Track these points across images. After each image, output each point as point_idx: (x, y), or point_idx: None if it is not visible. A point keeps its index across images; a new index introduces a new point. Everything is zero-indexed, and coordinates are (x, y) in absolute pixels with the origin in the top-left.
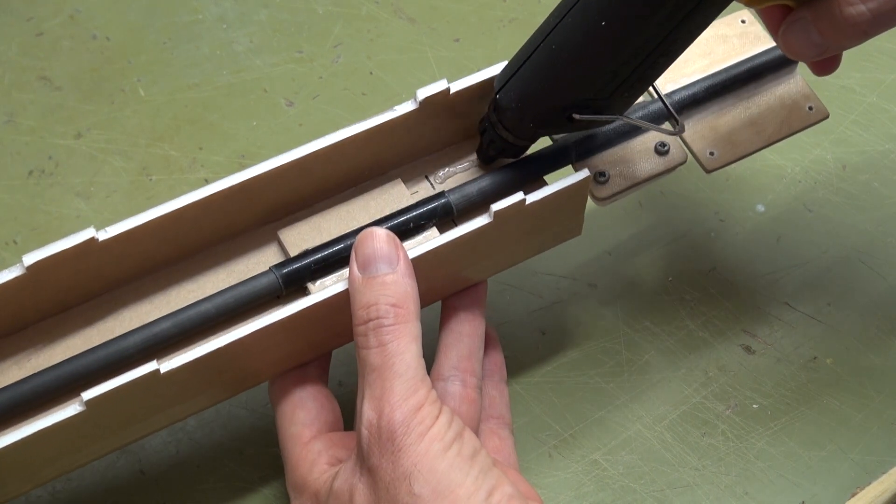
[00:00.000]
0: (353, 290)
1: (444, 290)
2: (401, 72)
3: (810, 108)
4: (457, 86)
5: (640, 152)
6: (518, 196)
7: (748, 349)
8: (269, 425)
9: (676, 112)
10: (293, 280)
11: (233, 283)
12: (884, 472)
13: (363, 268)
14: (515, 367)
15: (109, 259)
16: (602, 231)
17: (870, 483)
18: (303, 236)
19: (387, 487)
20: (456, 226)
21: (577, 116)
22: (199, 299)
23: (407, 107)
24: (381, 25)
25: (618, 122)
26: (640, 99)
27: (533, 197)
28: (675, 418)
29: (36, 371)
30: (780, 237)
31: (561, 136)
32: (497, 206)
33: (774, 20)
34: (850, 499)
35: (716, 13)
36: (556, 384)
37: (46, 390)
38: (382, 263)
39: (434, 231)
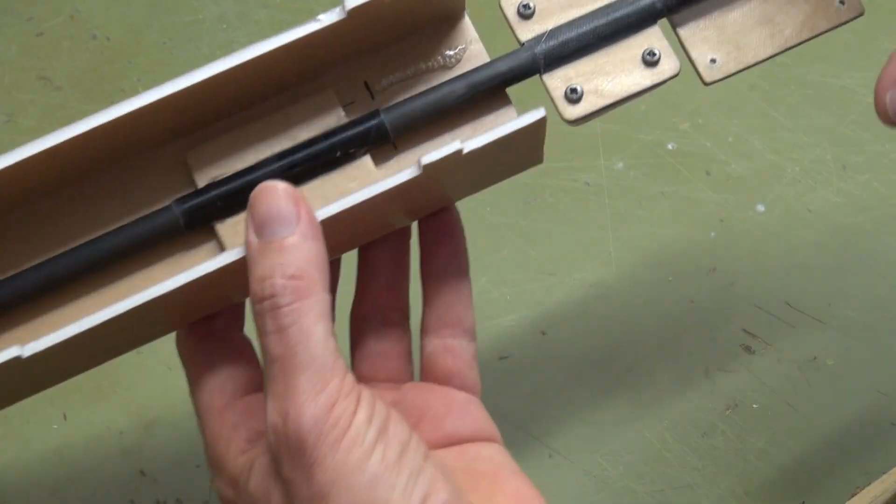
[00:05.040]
0: (249, 257)
1: (383, 229)
2: None
3: (841, 3)
4: None
5: (623, 61)
6: (454, 146)
7: (748, 349)
8: None
9: (675, 9)
10: (197, 219)
11: (131, 211)
12: (884, 472)
13: (259, 231)
14: (515, 367)
15: None
16: (602, 231)
17: (870, 483)
18: (214, 159)
19: None
20: (397, 150)
21: None
22: (91, 238)
23: (332, 17)
24: None
25: (598, 22)
26: None
27: (472, 145)
28: (675, 418)
29: None
30: (780, 237)
31: (529, 37)
32: (427, 159)
33: None
34: (850, 499)
35: None
36: (556, 384)
37: None
38: (280, 225)
39: (367, 161)
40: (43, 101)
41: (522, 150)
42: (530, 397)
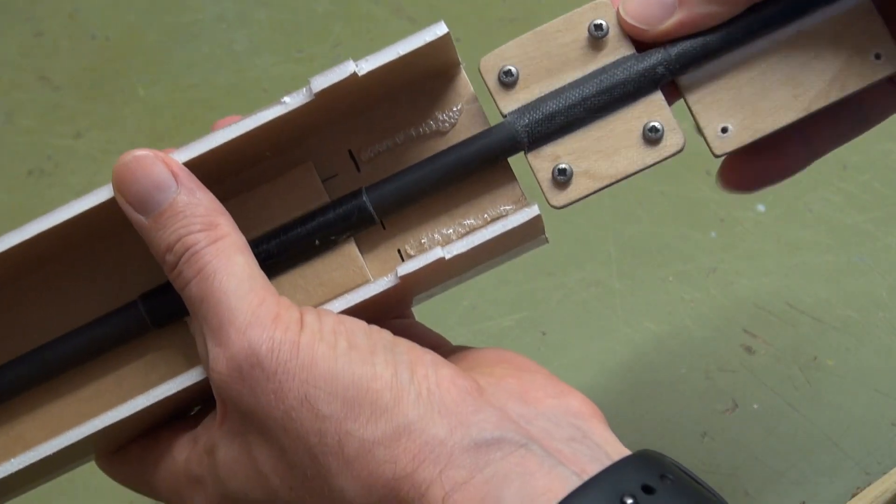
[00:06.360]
0: (146, 237)
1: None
2: None
3: (877, 57)
4: (370, 64)
5: (620, 136)
6: (434, 254)
7: (748, 349)
8: None
9: (679, 71)
10: (165, 316)
11: (101, 298)
12: (884, 472)
13: (142, 209)
14: None
15: None
16: (602, 231)
17: (870, 483)
18: None
19: (283, 428)
20: (385, 231)
21: None
22: (60, 333)
23: (299, 99)
24: (381, 25)
25: (589, 91)
26: (614, 57)
27: (455, 249)
28: (675, 419)
29: None
30: (780, 237)
31: (512, 109)
32: (404, 270)
33: None
34: (850, 499)
35: None
36: None
37: None
38: (161, 192)
39: (352, 247)
40: (42, 101)
41: (520, 239)
42: None
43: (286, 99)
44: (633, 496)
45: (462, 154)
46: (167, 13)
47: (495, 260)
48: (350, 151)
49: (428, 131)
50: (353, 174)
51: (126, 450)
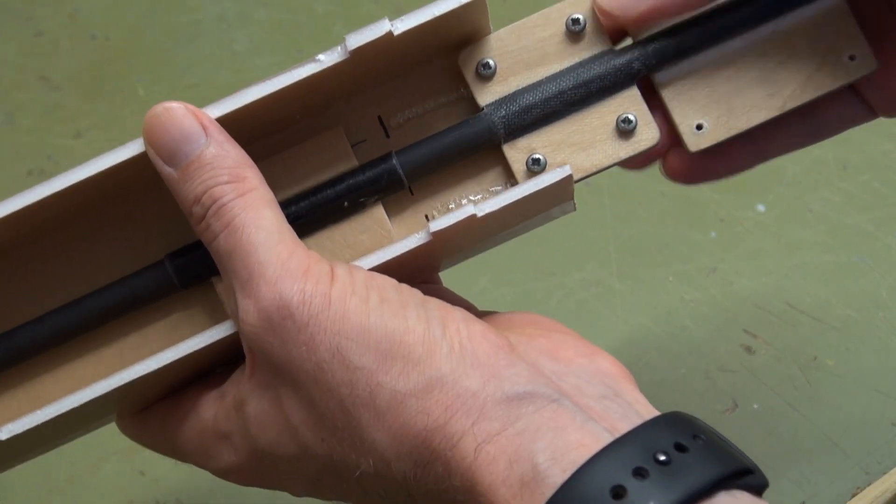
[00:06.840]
0: (174, 189)
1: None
2: None
3: (852, 58)
4: (405, 24)
5: (595, 130)
6: (466, 211)
7: (748, 349)
8: None
9: (655, 67)
10: (192, 276)
11: (129, 258)
12: (884, 472)
13: (171, 161)
14: None
15: None
16: (602, 231)
17: (870, 483)
18: None
19: (314, 380)
20: (413, 196)
21: None
22: (85, 291)
23: (333, 57)
24: None
25: (565, 85)
26: (590, 53)
27: (487, 207)
28: None
29: None
30: (781, 237)
31: (489, 101)
32: (436, 226)
33: None
34: (850, 499)
35: None
36: None
37: None
38: (190, 144)
39: (380, 211)
40: (42, 101)
41: (551, 201)
42: None
43: (321, 56)
44: (665, 453)
45: (437, 145)
46: (167, 13)
47: (524, 225)
48: (379, 117)
49: (457, 98)
50: (382, 140)
51: (149, 410)
